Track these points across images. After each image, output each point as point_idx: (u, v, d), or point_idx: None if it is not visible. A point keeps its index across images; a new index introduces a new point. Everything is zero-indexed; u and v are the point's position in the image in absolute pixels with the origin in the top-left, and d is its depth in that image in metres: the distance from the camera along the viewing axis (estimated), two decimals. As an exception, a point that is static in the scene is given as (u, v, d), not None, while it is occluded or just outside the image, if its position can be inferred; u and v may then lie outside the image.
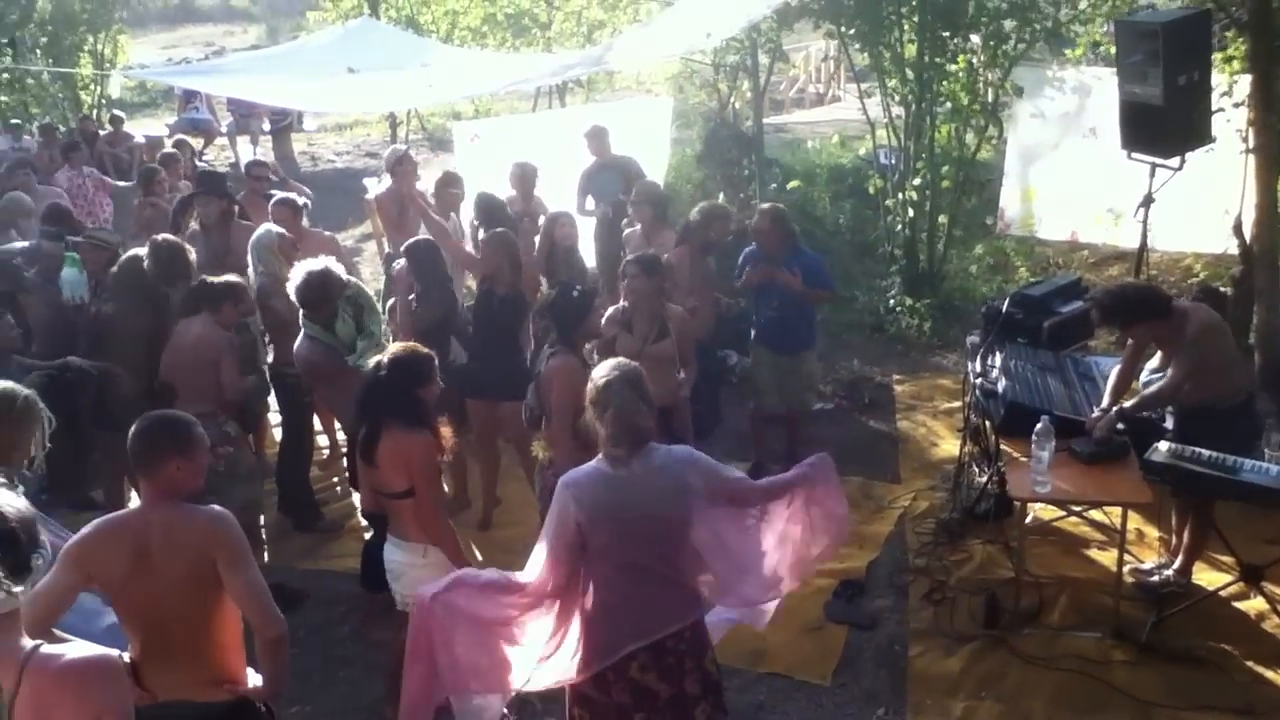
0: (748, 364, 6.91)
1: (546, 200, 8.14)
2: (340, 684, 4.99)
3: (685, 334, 5.58)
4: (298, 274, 5.67)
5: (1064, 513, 5.65)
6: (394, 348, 4.31)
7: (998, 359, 5.75)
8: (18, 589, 2.27)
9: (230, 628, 3.21)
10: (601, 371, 3.52)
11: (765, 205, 6.77)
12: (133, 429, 3.26)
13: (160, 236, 6.13)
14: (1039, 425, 4.74)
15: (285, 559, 6.04)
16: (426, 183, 8.64)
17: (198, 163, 11.57)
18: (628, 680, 3.45)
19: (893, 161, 9.69)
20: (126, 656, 3.19)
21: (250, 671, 3.29)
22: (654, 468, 3.40)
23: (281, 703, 3.52)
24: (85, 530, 3.20)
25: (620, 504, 3.38)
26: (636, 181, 8.45)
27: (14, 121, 14.10)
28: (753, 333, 6.56)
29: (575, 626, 3.52)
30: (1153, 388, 5.03)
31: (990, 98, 9.08)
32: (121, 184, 10.47)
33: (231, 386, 5.40)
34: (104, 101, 15.72)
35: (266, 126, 15.34)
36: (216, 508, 3.27)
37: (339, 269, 5.82)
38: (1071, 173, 9.11)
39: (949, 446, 6.76)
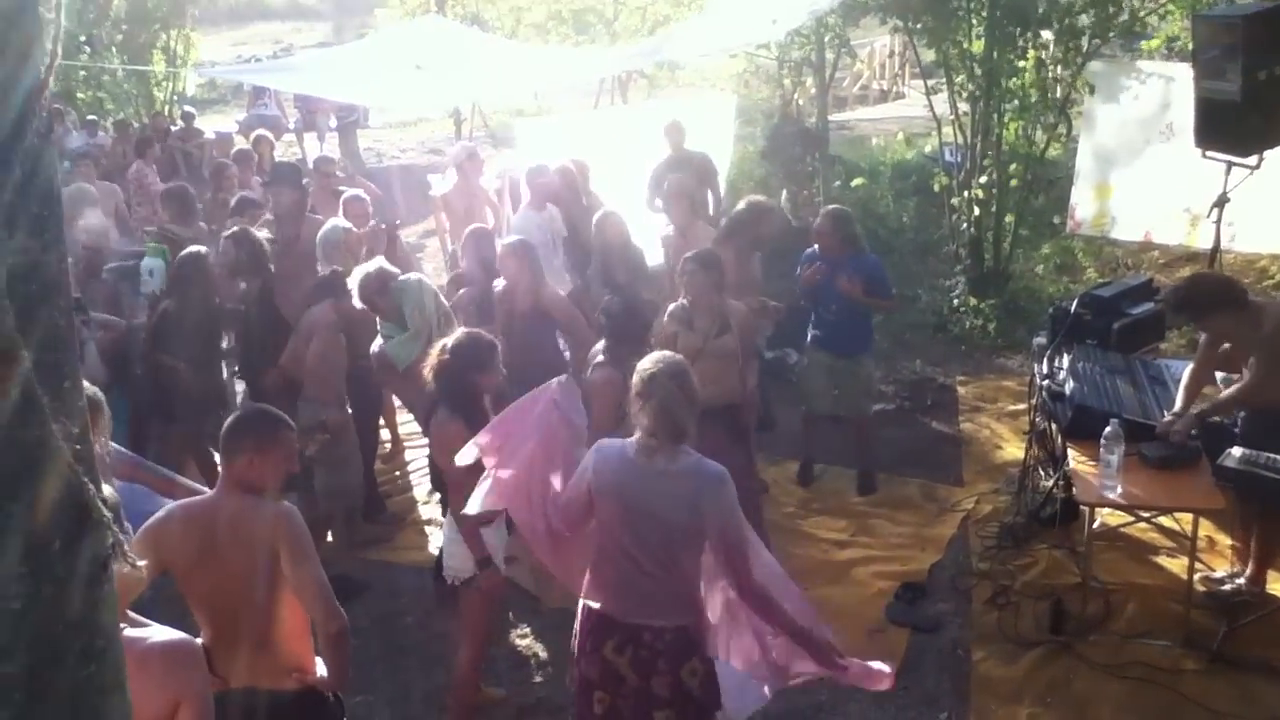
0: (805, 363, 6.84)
1: (606, 197, 8.14)
2: (402, 673, 5.06)
3: (747, 329, 5.54)
4: (355, 277, 5.74)
5: (1132, 518, 5.53)
6: (457, 333, 4.38)
7: (1065, 361, 5.65)
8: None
9: (297, 617, 3.26)
10: (647, 363, 3.52)
11: (828, 207, 6.71)
12: (229, 421, 3.36)
13: (240, 227, 6.27)
14: (1108, 429, 4.65)
15: (349, 550, 6.13)
16: (488, 179, 8.75)
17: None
18: (600, 656, 3.50)
19: (958, 159, 9.57)
20: (199, 641, 3.27)
21: (318, 660, 3.35)
22: (675, 470, 3.36)
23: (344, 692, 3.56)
24: (159, 514, 3.28)
25: (628, 491, 3.40)
26: (710, 179, 8.48)
27: (90, 118, 14.46)
28: (809, 335, 6.49)
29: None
30: (1230, 390, 4.90)
31: (1060, 94, 8.92)
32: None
33: (320, 370, 5.58)
34: (176, 98, 16.06)
35: (333, 123, 15.57)
36: (285, 503, 3.34)
37: (392, 268, 5.89)
38: (1147, 171, 8.91)
39: (1013, 449, 6.66)
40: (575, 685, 3.67)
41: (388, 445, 7.36)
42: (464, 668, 4.49)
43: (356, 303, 5.70)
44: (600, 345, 5.08)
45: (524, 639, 5.31)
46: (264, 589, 3.20)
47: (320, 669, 3.32)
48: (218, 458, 3.88)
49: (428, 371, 4.31)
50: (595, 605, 3.54)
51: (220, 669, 3.23)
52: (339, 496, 5.86)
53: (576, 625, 3.63)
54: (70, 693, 0.97)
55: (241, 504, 3.24)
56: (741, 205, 6.45)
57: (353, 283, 5.68)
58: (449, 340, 4.30)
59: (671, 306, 5.46)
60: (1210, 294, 4.86)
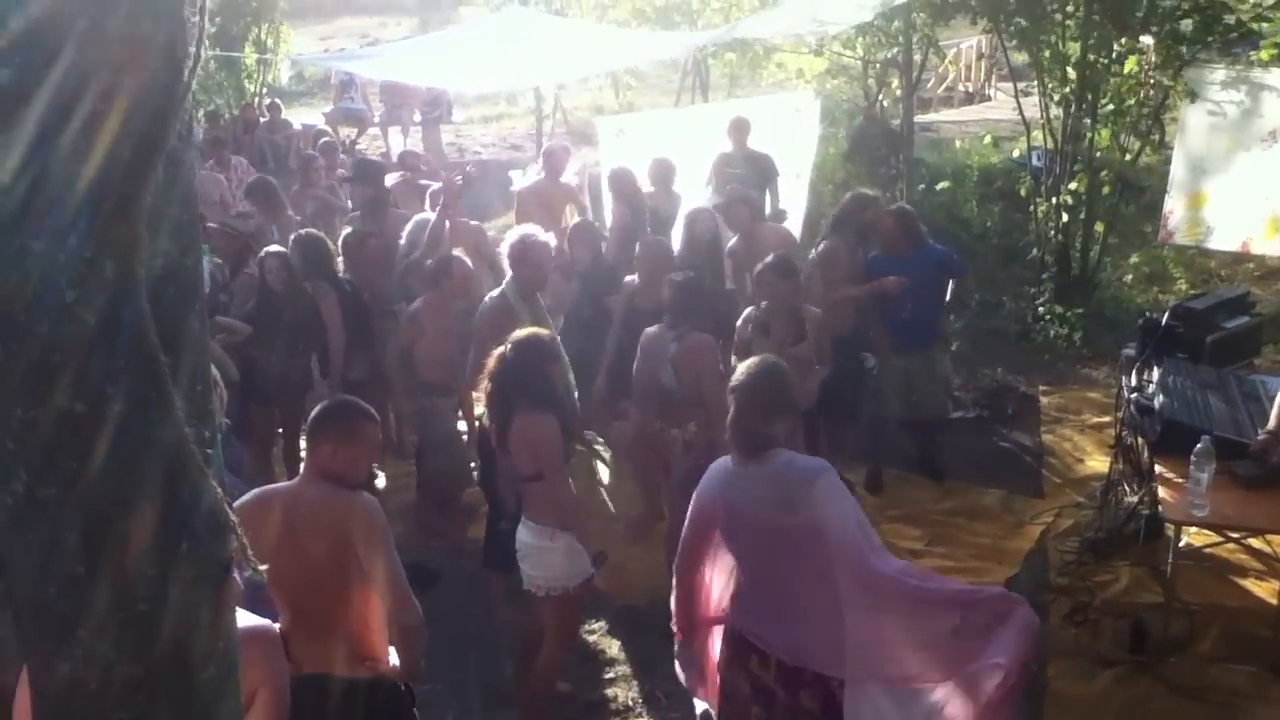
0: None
1: (687, 196, 8.14)
2: (470, 663, 5.09)
3: (822, 331, 5.52)
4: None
5: (1220, 538, 5.37)
6: (517, 333, 4.39)
7: (1155, 374, 5.49)
8: None
9: (373, 607, 3.30)
10: (735, 376, 3.51)
11: (894, 206, 6.72)
12: (316, 411, 3.44)
13: (304, 230, 6.37)
14: (1199, 445, 4.51)
15: (421, 538, 6.20)
16: (569, 176, 8.81)
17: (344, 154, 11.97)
18: (747, 671, 3.44)
19: (1045, 164, 9.37)
20: (278, 626, 3.34)
21: (391, 650, 3.39)
22: (766, 473, 3.31)
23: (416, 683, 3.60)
24: (245, 498, 3.35)
25: (731, 500, 3.39)
26: (771, 179, 8.40)
27: None
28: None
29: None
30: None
31: (1156, 100, 8.68)
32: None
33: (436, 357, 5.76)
34: (266, 90, 16.38)
35: (417, 118, 15.76)
36: (365, 494, 3.38)
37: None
38: (1245, 180, 8.63)
39: (1096, 463, 6.51)
40: (717, 695, 3.63)
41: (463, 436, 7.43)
42: (546, 668, 4.46)
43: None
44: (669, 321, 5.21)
45: (592, 635, 5.33)
46: (341, 578, 3.24)
47: (392, 658, 3.36)
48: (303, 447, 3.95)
49: (486, 379, 4.31)
50: (736, 626, 3.50)
51: (295, 654, 3.28)
52: (449, 477, 5.98)
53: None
54: (189, 694, 0.99)
55: (322, 493, 3.28)
56: (847, 198, 6.49)
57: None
58: (507, 344, 4.29)
59: (747, 311, 5.45)
60: None
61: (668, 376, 5.14)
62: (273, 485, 3.61)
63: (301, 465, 3.57)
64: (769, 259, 5.41)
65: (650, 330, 5.41)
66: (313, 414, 3.42)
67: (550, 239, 5.58)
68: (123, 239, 0.84)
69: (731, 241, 6.92)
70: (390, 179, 8.20)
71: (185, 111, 0.98)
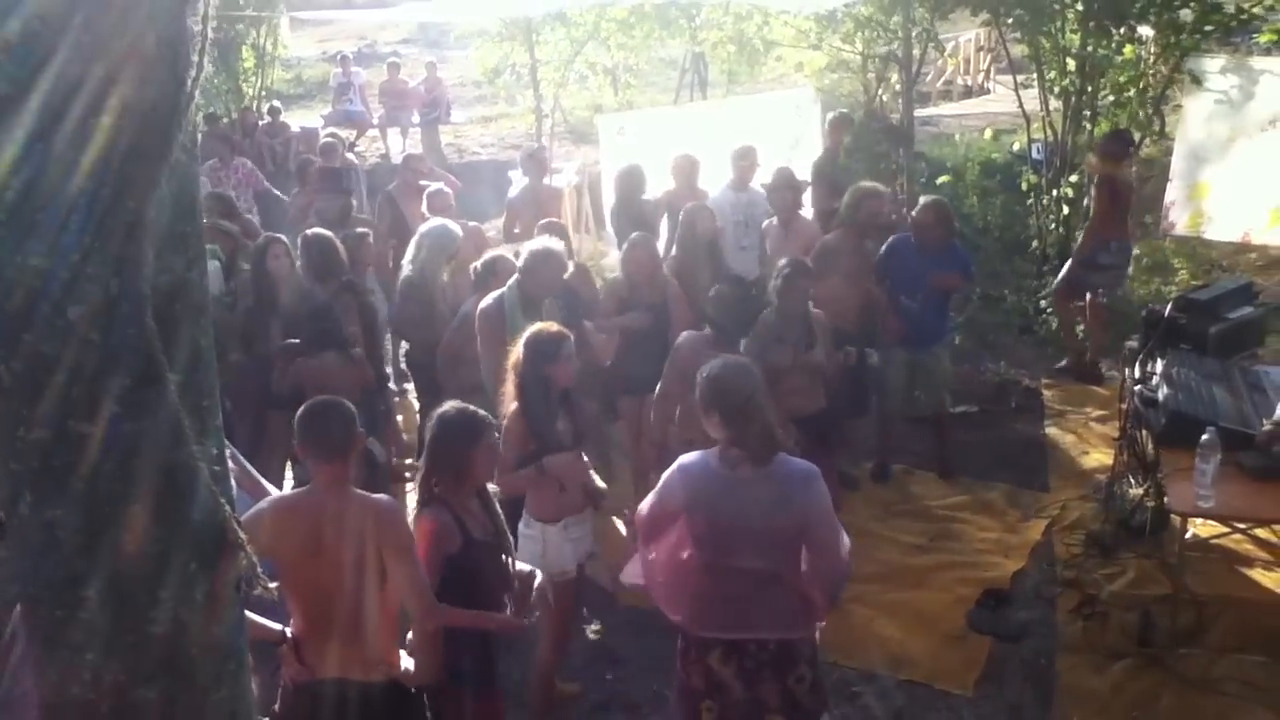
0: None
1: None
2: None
3: (825, 333, 5.50)
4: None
5: (1226, 529, 5.36)
6: (532, 328, 4.40)
7: (1159, 365, 5.49)
8: None
9: (390, 612, 3.32)
10: (725, 374, 3.49)
11: (929, 198, 6.60)
12: (310, 415, 3.36)
13: (311, 231, 6.29)
14: (1204, 437, 4.51)
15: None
16: (568, 175, 8.80)
17: (348, 155, 11.92)
18: (705, 665, 3.49)
19: (1046, 156, 9.34)
20: (289, 631, 3.34)
21: (402, 654, 3.39)
22: (763, 475, 3.36)
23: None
24: (262, 506, 3.35)
25: (719, 506, 3.39)
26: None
27: None
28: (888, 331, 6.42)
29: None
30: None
31: (1156, 91, 8.66)
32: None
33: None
34: (264, 93, 16.36)
35: (416, 119, 15.75)
36: (386, 497, 3.39)
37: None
38: (1247, 170, 8.60)
39: (1101, 455, 6.50)
40: (677, 693, 3.68)
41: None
42: (542, 664, 4.53)
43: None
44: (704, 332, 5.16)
45: (598, 635, 5.32)
46: (363, 583, 3.25)
47: (405, 662, 3.37)
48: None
49: (511, 371, 4.35)
50: (693, 624, 3.55)
51: (310, 659, 3.29)
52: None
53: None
54: (198, 714, 0.97)
55: (346, 500, 3.29)
56: (849, 192, 6.44)
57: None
58: (522, 336, 4.34)
59: (763, 315, 5.37)
60: None
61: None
62: (290, 493, 3.63)
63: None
64: (784, 263, 5.38)
65: (691, 337, 5.24)
66: (315, 421, 3.37)
67: (562, 247, 5.52)
68: (127, 256, 0.82)
69: (768, 224, 7.03)
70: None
71: (189, 123, 0.96)
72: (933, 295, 6.24)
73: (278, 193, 10.41)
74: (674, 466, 3.56)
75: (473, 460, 3.56)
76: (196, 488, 0.91)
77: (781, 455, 3.43)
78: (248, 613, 2.99)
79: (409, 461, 7.10)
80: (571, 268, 5.61)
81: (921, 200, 6.70)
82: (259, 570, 1.05)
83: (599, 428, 6.04)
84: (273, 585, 2.18)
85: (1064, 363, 8.00)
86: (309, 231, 6.30)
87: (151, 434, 0.87)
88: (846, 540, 3.56)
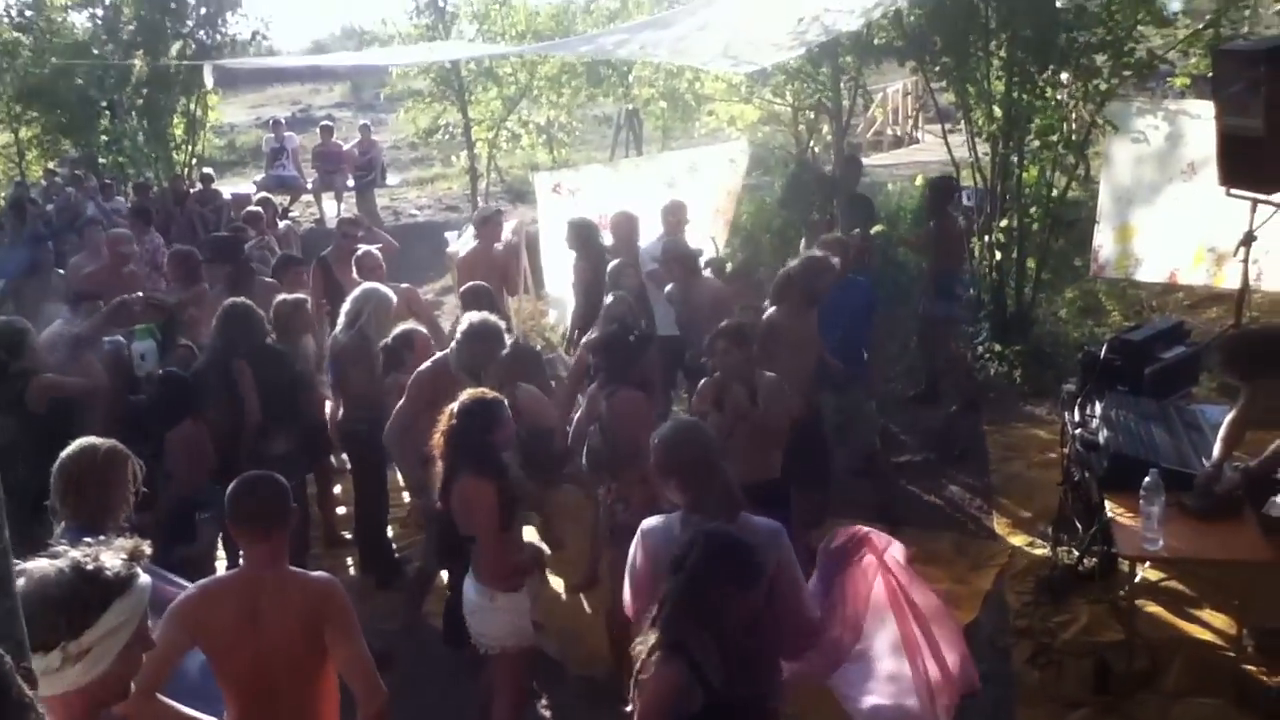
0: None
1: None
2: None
3: (778, 401, 5.13)
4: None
5: (1174, 572, 5.37)
6: (464, 394, 4.33)
7: (1097, 408, 5.52)
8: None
9: (331, 695, 3.19)
10: (670, 434, 3.44)
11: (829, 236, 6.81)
12: (244, 489, 3.24)
13: (230, 299, 6.14)
14: (1148, 479, 4.50)
15: (369, 619, 5.99)
16: (505, 232, 8.74)
17: (279, 220, 11.80)
18: None
19: (976, 202, 9.47)
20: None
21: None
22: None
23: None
24: (191, 590, 3.21)
25: None
26: None
27: (105, 181, 14.62)
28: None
29: None
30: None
31: (1079, 135, 8.84)
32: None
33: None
34: (195, 161, 16.20)
35: (350, 182, 15.66)
36: (326, 575, 3.27)
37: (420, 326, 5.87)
38: (1170, 211, 8.80)
39: (1046, 500, 6.49)
40: None
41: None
42: None
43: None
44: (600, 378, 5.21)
45: (549, 708, 5.18)
46: (304, 664, 3.14)
47: None
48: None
49: (438, 438, 4.26)
50: None
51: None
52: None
53: None
54: None
55: (284, 576, 3.17)
56: (795, 262, 6.18)
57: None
58: (455, 405, 4.27)
59: (701, 384, 5.30)
60: (1263, 356, 4.70)
61: (593, 436, 5.07)
62: (218, 575, 3.48)
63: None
64: (722, 326, 5.22)
65: (591, 387, 5.37)
66: (250, 496, 3.24)
67: (501, 323, 5.47)
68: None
69: (669, 288, 6.92)
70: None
71: None
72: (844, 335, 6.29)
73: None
74: (638, 534, 3.49)
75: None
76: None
77: (744, 515, 3.37)
78: (179, 706, 2.91)
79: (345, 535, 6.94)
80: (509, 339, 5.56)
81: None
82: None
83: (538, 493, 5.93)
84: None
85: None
86: (280, 297, 6.22)
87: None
88: (813, 601, 3.53)
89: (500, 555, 4.25)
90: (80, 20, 16.11)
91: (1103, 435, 5.22)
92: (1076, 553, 5.57)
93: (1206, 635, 5.07)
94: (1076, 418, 5.57)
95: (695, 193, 9.38)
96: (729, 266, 8.17)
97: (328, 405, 6.77)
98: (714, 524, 3.16)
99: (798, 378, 5.76)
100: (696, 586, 2.86)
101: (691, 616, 2.85)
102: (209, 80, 14.98)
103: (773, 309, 5.98)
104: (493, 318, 5.43)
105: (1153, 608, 5.25)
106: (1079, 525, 5.68)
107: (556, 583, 6.22)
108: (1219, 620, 5.14)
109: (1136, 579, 5.12)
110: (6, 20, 15.93)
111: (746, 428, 4.90)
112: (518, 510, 4.33)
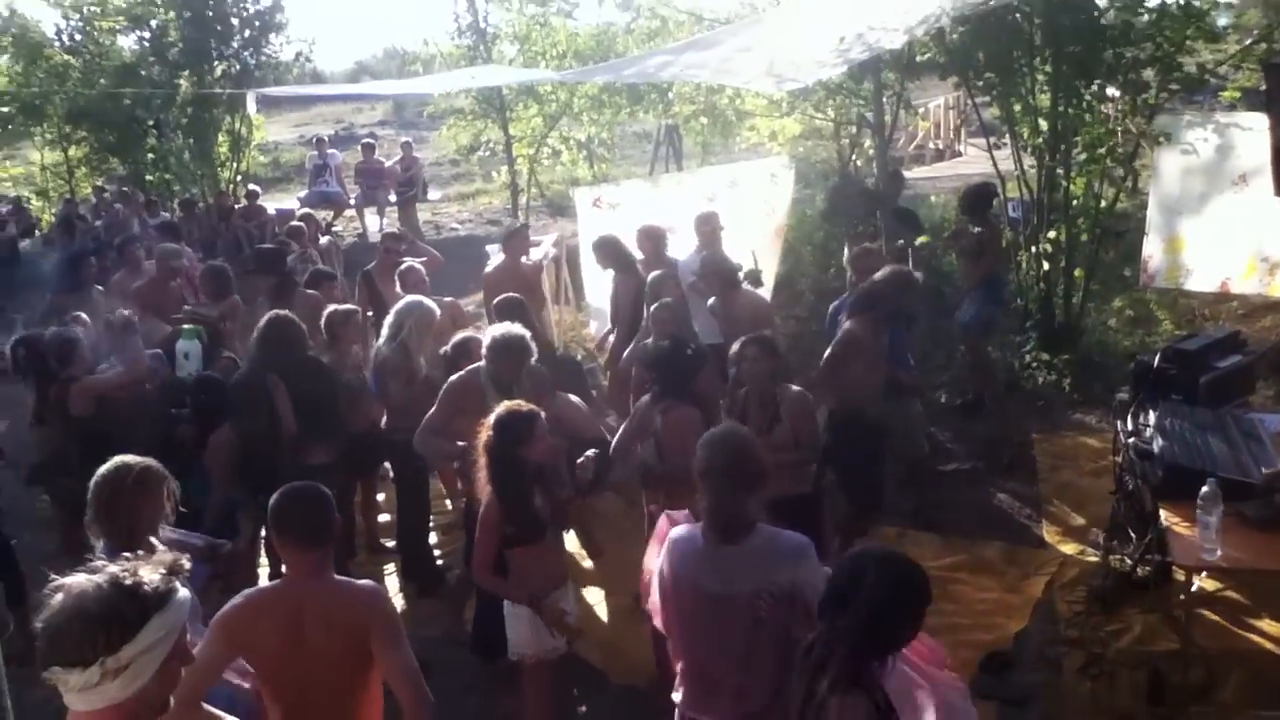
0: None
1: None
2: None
3: (804, 417, 5.14)
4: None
5: (1231, 581, 5.24)
6: (500, 407, 4.32)
7: (1151, 417, 5.42)
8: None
9: (375, 702, 3.17)
10: (700, 457, 3.37)
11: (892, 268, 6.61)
12: (287, 501, 3.24)
13: (272, 312, 6.18)
14: (1205, 488, 4.40)
15: (411, 626, 5.99)
16: (545, 246, 8.78)
17: (321, 235, 11.94)
18: None
19: (1023, 215, 9.39)
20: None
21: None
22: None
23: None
24: (236, 601, 3.20)
25: (703, 581, 3.27)
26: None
27: (152, 198, 14.89)
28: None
29: None
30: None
31: (1127, 148, 8.74)
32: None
33: None
34: (240, 177, 16.44)
35: (392, 198, 15.80)
36: (370, 582, 3.27)
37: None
38: (1221, 221, 8.66)
39: (1097, 509, 6.38)
40: None
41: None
42: None
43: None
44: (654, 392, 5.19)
45: (592, 715, 5.14)
46: (349, 674, 3.13)
47: None
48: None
49: (480, 448, 4.29)
50: (680, 700, 3.44)
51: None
52: None
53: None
54: None
55: (329, 587, 3.17)
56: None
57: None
58: (491, 417, 4.28)
59: (733, 395, 5.29)
60: None
61: (648, 451, 5.04)
62: (262, 586, 3.49)
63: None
64: (750, 337, 5.21)
65: (642, 400, 5.33)
66: (297, 507, 3.23)
67: (526, 334, 5.44)
68: None
69: (711, 301, 6.89)
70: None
71: None
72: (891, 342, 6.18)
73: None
74: (669, 538, 3.46)
75: None
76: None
77: (771, 530, 3.30)
78: (224, 715, 2.90)
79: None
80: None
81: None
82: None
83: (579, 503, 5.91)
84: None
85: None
86: (272, 312, 6.20)
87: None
88: None
89: (521, 568, 4.33)
90: (128, 43, 16.45)
91: (1157, 444, 5.13)
92: (1130, 561, 5.45)
93: (1266, 646, 4.95)
94: (1129, 427, 5.47)
95: (736, 207, 9.34)
96: (763, 277, 8.15)
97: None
98: (878, 546, 3.06)
99: (868, 391, 5.73)
100: (882, 617, 2.74)
101: (877, 648, 2.75)
102: (252, 108, 15.29)
103: (850, 322, 5.84)
104: (517, 328, 5.39)
105: (1209, 618, 5.13)
106: (1132, 534, 5.57)
107: (598, 593, 6.19)
108: (1278, 630, 5.01)
109: (1192, 589, 5.01)
110: (57, 44, 16.29)
111: (767, 443, 4.82)
112: (530, 535, 4.31)
